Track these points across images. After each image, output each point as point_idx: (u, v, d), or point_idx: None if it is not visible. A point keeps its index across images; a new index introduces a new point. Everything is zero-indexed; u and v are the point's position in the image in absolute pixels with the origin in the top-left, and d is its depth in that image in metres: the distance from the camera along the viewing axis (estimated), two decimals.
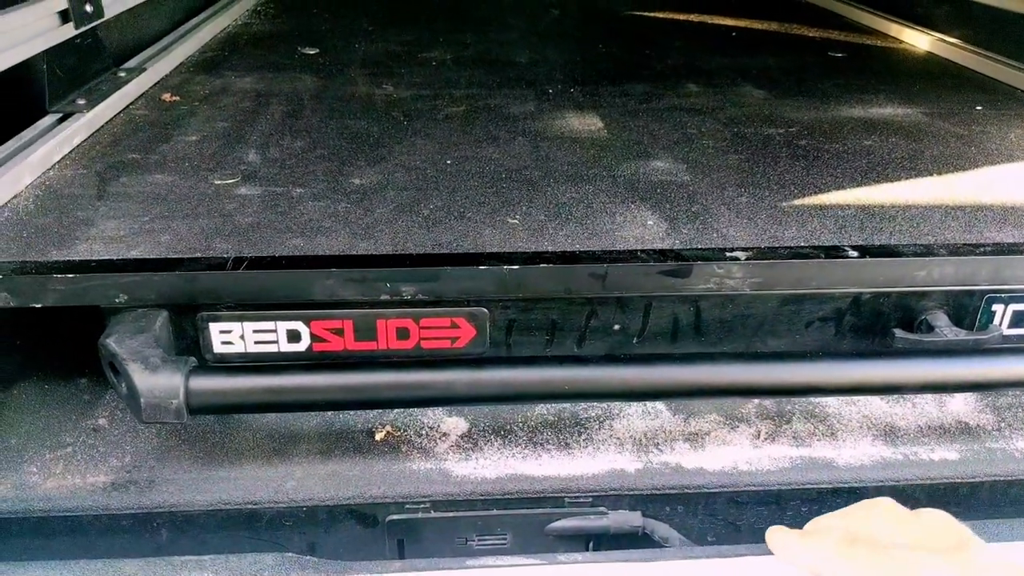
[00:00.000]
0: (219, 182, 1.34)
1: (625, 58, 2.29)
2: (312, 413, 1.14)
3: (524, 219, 1.21)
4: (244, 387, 0.97)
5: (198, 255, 1.08)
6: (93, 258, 1.06)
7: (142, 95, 1.82)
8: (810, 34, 2.61)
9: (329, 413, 1.15)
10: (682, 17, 2.90)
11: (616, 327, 1.12)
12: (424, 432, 1.12)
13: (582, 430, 1.12)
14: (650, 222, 1.19)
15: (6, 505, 0.99)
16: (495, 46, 2.41)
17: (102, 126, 1.61)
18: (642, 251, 1.08)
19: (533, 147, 1.54)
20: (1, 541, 1.00)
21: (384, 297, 1.06)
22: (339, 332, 1.09)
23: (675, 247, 1.10)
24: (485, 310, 1.09)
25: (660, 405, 1.17)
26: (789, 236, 1.15)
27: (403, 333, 1.10)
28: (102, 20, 1.76)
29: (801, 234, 1.15)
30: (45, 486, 1.01)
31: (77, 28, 1.63)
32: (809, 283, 1.07)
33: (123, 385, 0.99)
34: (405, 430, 1.12)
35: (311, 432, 1.12)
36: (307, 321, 1.08)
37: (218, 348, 1.09)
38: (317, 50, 2.32)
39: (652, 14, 2.93)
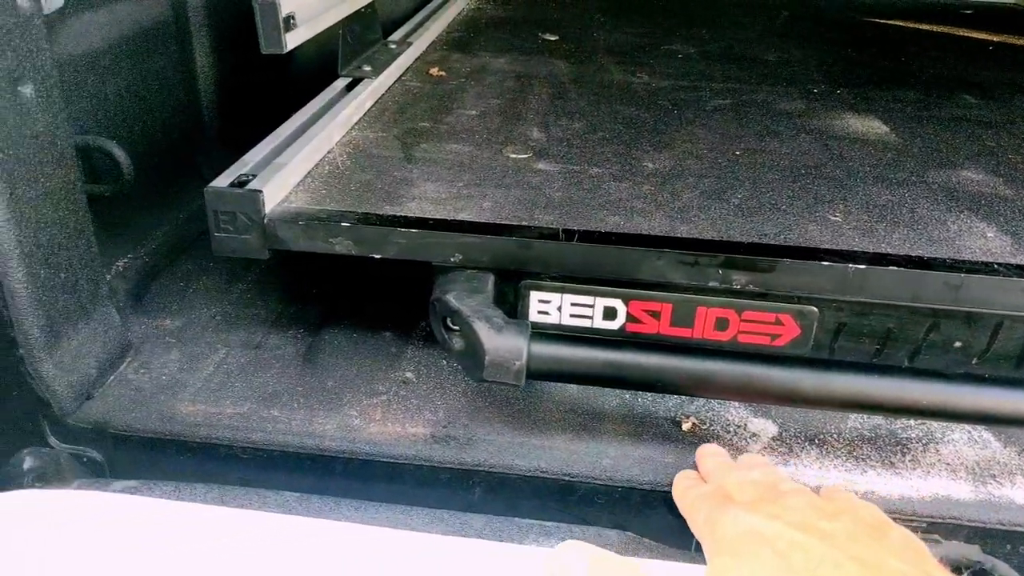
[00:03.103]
0: (514, 156, 1.35)
1: (882, 65, 2.17)
2: (613, 393, 1.13)
3: (845, 217, 1.15)
4: (582, 358, 0.96)
5: (525, 223, 1.09)
6: (429, 216, 1.08)
7: (410, 67, 1.87)
8: None
9: (628, 395, 1.13)
10: (926, 27, 2.73)
11: (957, 344, 1.04)
12: (731, 429, 1.08)
13: (905, 450, 1.05)
14: (990, 234, 1.11)
15: (334, 444, 1.03)
16: (736, 43, 2.35)
17: (383, 94, 1.66)
18: (1001, 264, 1.00)
19: (821, 145, 1.47)
20: (325, 478, 1.04)
21: (712, 284, 1.03)
22: (656, 315, 1.07)
23: None
24: (815, 309, 1.04)
25: (988, 434, 1.08)
26: None
27: (722, 323, 1.07)
28: None
29: None
30: (368, 430, 1.04)
31: None
32: None
33: (459, 342, 1.01)
34: (711, 424, 1.09)
35: (614, 412, 1.10)
36: (626, 300, 1.06)
37: (534, 316, 1.09)
38: (557, 37, 2.33)
39: (892, 22, 2.78)
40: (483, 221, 1.08)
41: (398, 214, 1.09)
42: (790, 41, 2.40)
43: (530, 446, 1.03)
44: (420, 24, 2.21)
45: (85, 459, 1.07)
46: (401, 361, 1.18)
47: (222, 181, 1.08)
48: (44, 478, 1.03)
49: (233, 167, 1.14)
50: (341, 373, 1.15)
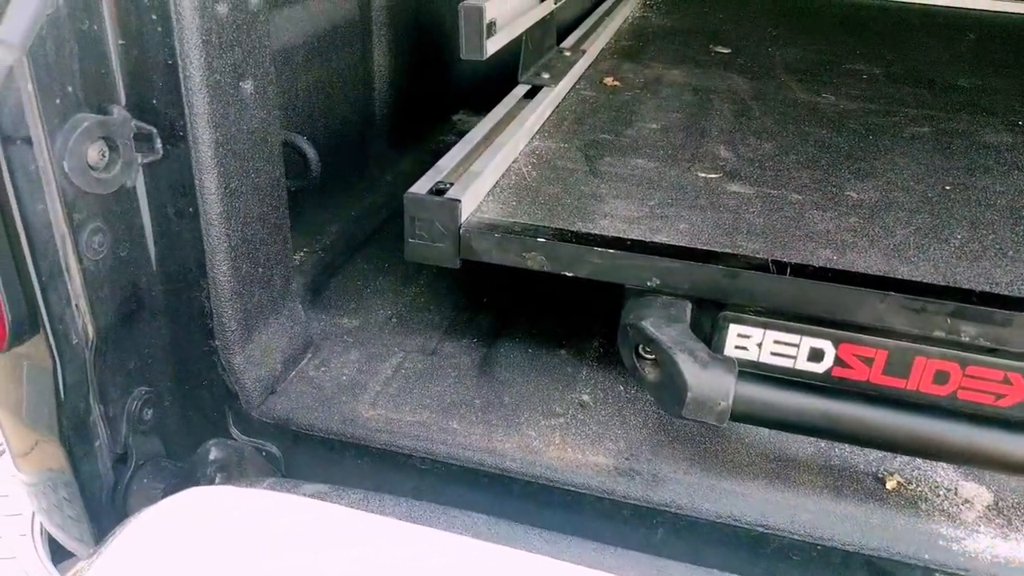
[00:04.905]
0: (703, 175, 1.29)
1: None
2: (807, 439, 1.05)
3: None
4: (796, 405, 0.89)
5: (728, 250, 1.02)
6: (626, 237, 1.04)
7: (583, 76, 1.84)
8: None
9: (823, 443, 1.05)
10: None
11: None
12: (940, 493, 0.98)
13: None
14: None
15: (514, 465, 1.00)
16: (922, 65, 2.19)
17: (560, 102, 1.63)
18: None
19: None
20: (502, 498, 1.01)
21: (936, 334, 0.94)
22: (868, 361, 0.98)
23: None
24: None
25: None
26: None
27: (941, 377, 0.97)
28: None
29: None
30: (549, 454, 1.01)
31: (556, 2, 1.66)
32: None
33: (653, 372, 0.95)
34: (916, 484, 0.99)
35: (809, 461, 1.02)
36: (836, 342, 0.98)
37: (729, 350, 1.02)
38: (730, 50, 2.24)
39: None
40: (684, 245, 1.02)
41: (593, 232, 1.05)
42: (982, 66, 2.22)
43: (720, 490, 0.97)
44: (590, 31, 2.17)
45: (264, 453, 1.09)
46: (576, 382, 1.14)
47: (421, 187, 1.07)
48: (226, 469, 1.05)
49: (429, 173, 1.13)
50: (517, 389, 1.12)
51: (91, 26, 0.86)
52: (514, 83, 1.60)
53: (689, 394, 0.89)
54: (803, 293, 0.96)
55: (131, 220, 0.95)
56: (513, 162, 1.29)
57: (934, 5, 2.91)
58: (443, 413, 1.07)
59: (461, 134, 2.21)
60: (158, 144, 0.91)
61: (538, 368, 1.16)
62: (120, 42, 0.89)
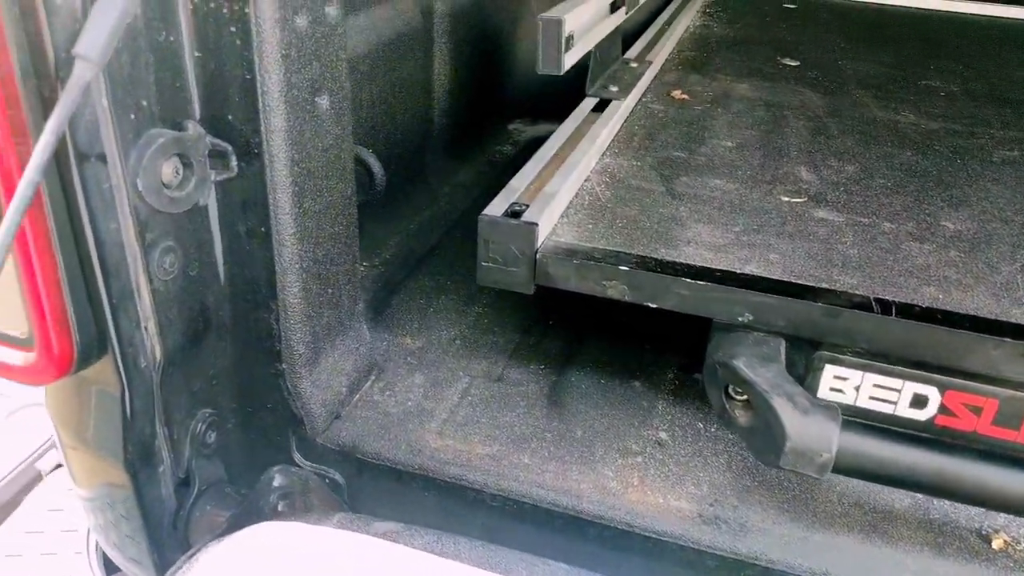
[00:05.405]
0: (787, 199, 1.22)
1: None
2: (902, 491, 0.98)
3: None
4: (908, 460, 0.83)
5: (825, 285, 0.96)
6: (715, 267, 0.98)
7: (649, 88, 1.78)
8: None
9: (919, 496, 0.98)
10: None
11: None
12: None
13: None
14: None
15: (591, 507, 0.95)
16: (1001, 82, 2.09)
17: (628, 116, 1.57)
18: None
19: None
20: (575, 541, 0.96)
21: None
22: (976, 410, 0.91)
23: None
24: None
25: None
26: None
27: None
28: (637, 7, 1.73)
29: None
30: (628, 497, 0.95)
31: (627, 12, 1.60)
32: None
33: (746, 416, 0.89)
34: None
35: (906, 514, 0.95)
36: (942, 389, 0.92)
37: (823, 393, 0.96)
38: (798, 63, 2.16)
39: None
40: (778, 279, 0.96)
41: (678, 261, 0.99)
42: None
43: (813, 543, 0.90)
44: (653, 41, 2.10)
45: (328, 480, 1.04)
46: (652, 417, 1.08)
47: (495, 209, 1.02)
48: (289, 497, 1.01)
49: (502, 194, 1.08)
50: (590, 423, 1.06)
51: (168, 37, 0.82)
52: (569, 92, 1.55)
53: (788, 443, 0.83)
54: (910, 335, 0.90)
55: (202, 239, 0.91)
56: (585, 181, 1.24)
57: (1001, 17, 2.80)
58: (514, 446, 1.02)
59: (517, 144, 2.17)
60: (233, 161, 0.88)
61: (610, 400, 1.11)
62: (196, 54, 0.85)
